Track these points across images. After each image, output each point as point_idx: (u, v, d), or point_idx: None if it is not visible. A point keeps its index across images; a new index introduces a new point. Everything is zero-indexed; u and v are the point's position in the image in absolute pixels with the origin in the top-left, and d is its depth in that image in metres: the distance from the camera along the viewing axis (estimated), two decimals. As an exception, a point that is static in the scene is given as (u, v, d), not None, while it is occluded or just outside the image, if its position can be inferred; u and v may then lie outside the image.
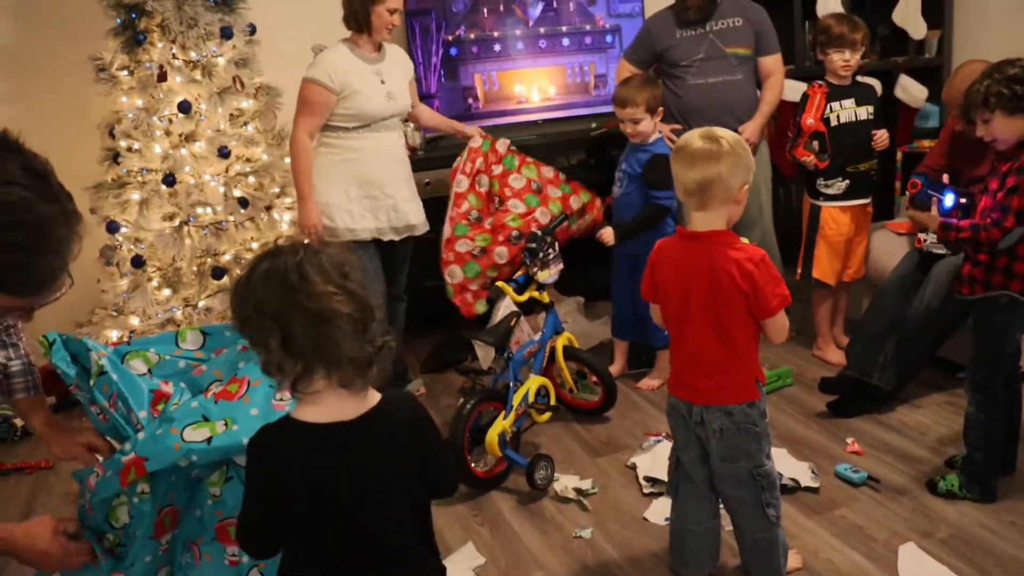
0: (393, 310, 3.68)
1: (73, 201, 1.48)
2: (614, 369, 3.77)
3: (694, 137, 2.09)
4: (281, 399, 1.78)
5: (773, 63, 4.00)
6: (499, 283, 3.18)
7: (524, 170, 3.72)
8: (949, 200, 2.73)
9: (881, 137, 3.62)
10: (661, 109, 3.51)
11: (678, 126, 4.05)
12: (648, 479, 2.91)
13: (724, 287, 2.08)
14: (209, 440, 1.71)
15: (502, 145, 3.73)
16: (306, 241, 1.42)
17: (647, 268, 2.26)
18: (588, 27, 4.74)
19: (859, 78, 3.77)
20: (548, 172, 3.77)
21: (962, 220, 2.52)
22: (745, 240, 2.16)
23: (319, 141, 3.39)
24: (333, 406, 1.39)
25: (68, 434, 1.94)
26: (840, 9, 4.36)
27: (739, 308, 2.09)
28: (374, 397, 1.44)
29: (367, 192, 3.38)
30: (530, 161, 3.76)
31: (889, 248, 3.78)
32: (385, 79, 3.39)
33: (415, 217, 3.51)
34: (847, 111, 3.63)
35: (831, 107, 3.65)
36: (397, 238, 3.47)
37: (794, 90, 4.12)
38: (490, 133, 4.61)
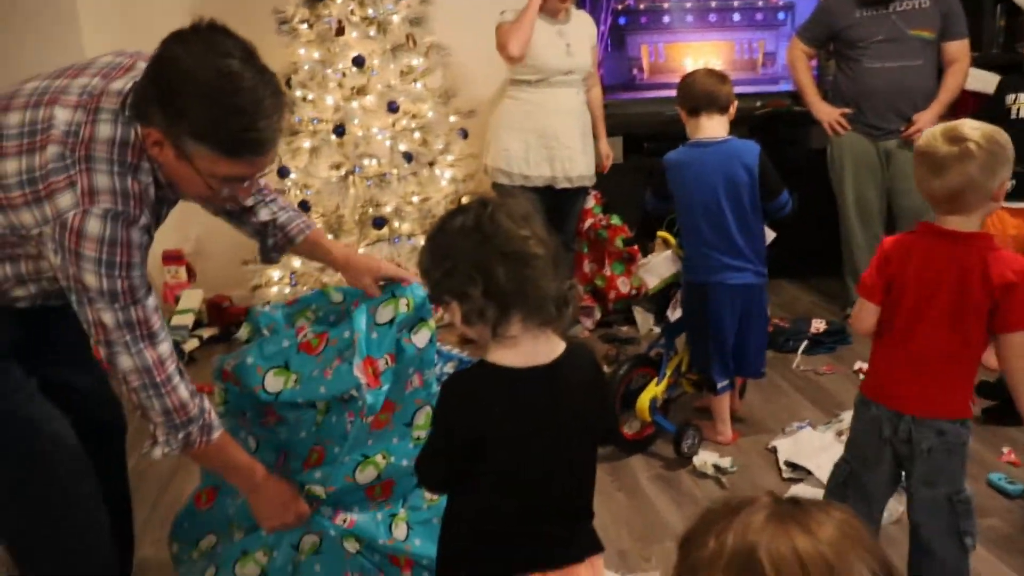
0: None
1: (275, 76, 1.61)
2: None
3: (937, 139, 1.89)
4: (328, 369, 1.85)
5: (959, 49, 3.81)
6: (661, 233, 3.17)
7: (618, 240, 4.24)
8: None
9: None
10: None
11: (848, 110, 3.93)
12: (789, 464, 2.87)
13: (975, 293, 1.90)
14: (277, 395, 1.90)
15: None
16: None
17: (876, 261, 2.05)
18: (760, 3, 4.63)
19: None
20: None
21: None
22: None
23: (505, 94, 3.78)
24: (529, 350, 1.44)
25: (358, 271, 2.01)
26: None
27: (983, 319, 1.92)
28: (561, 344, 1.48)
29: (544, 142, 3.71)
30: (624, 234, 4.26)
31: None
32: (565, 37, 3.70)
33: (586, 168, 3.83)
34: (1031, 105, 3.44)
35: (1017, 97, 3.45)
36: (570, 186, 3.79)
37: (978, 79, 3.93)
38: (652, 105, 4.62)
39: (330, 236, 3.81)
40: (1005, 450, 2.95)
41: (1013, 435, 3.07)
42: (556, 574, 1.51)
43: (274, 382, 1.91)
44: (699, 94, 2.88)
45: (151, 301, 1.66)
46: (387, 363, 1.87)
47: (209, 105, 1.52)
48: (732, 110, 2.93)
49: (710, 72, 2.96)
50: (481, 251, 1.38)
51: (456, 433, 1.47)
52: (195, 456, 1.80)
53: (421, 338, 1.93)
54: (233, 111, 1.52)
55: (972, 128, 1.88)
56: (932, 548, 2.08)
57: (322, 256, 2.11)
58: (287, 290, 3.93)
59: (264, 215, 2.03)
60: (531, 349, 1.44)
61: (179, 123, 1.54)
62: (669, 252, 3.12)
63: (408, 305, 1.90)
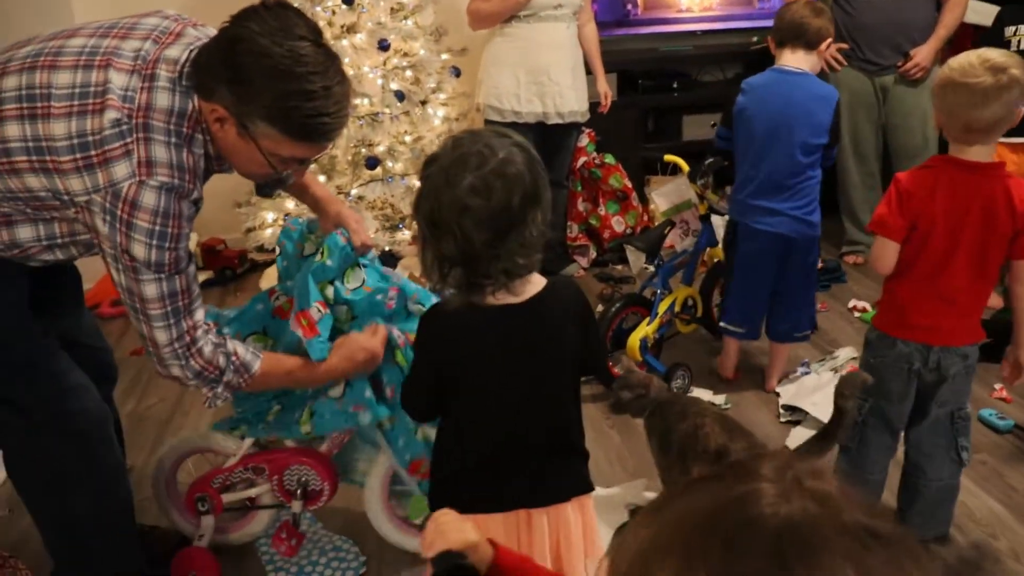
0: (554, 195, 3.83)
1: (339, 59, 1.62)
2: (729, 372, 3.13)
3: (978, 70, 1.88)
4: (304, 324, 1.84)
5: (958, -20, 3.74)
6: (680, 160, 3.18)
7: (612, 179, 4.23)
8: None
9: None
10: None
11: (844, 45, 3.87)
12: (787, 407, 2.89)
13: (1001, 222, 1.94)
14: None
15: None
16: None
17: (895, 199, 1.99)
18: (758, -66, 4.53)
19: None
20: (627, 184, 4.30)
21: None
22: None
23: (496, 31, 3.71)
24: (504, 292, 1.43)
25: (325, 217, 2.03)
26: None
27: (1005, 246, 1.97)
28: (540, 281, 1.48)
29: (535, 78, 3.67)
30: (618, 173, 4.26)
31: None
32: None
33: (578, 104, 3.77)
34: (1030, 37, 3.39)
35: (1017, 29, 3.40)
36: (561, 122, 3.75)
37: (976, 11, 3.87)
38: (647, 42, 4.55)
39: (322, 178, 3.78)
40: (997, 387, 2.98)
41: (1005, 371, 3.10)
42: (540, 512, 1.52)
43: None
44: (786, 25, 2.74)
45: (192, 268, 1.68)
46: (319, 311, 1.84)
47: (283, 89, 1.52)
48: (824, 47, 2.78)
49: (808, 3, 2.78)
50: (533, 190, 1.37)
51: (432, 365, 1.50)
52: (255, 390, 1.85)
53: (355, 280, 1.92)
54: (307, 97, 1.52)
55: (1006, 56, 1.91)
56: (931, 465, 2.17)
57: (305, 199, 2.11)
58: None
59: None
60: (507, 291, 1.43)
61: (250, 104, 1.54)
62: (683, 178, 3.10)
63: (323, 254, 1.87)
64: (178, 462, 2.28)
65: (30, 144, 1.56)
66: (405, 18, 3.80)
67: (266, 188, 2.06)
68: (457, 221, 1.33)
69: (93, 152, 1.54)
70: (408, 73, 3.78)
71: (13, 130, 1.56)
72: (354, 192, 3.74)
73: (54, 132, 1.54)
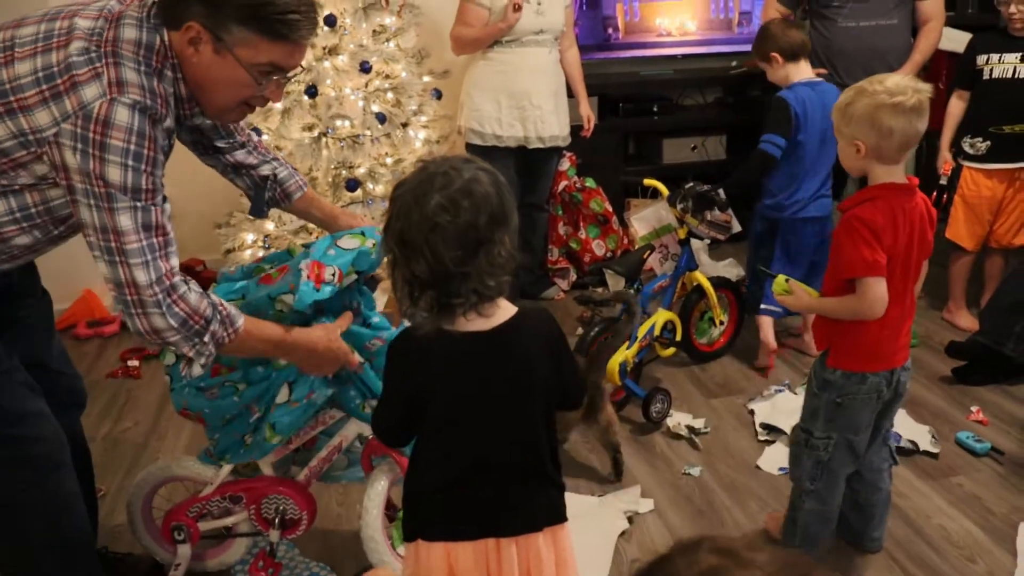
0: (534, 218, 4.02)
1: None
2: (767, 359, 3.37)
3: (903, 89, 1.91)
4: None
5: (934, 8, 3.78)
6: (659, 184, 3.26)
7: (592, 203, 4.27)
8: None
9: None
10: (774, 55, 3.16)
11: (823, 71, 3.91)
12: (765, 426, 2.91)
13: (927, 233, 2.04)
14: None
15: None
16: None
17: (872, 238, 1.93)
18: (736, -39, 4.59)
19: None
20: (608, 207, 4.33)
21: None
22: None
23: (478, 55, 3.76)
24: (472, 318, 1.43)
25: (341, 225, 2.10)
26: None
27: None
28: (510, 309, 1.47)
29: (516, 103, 3.71)
30: (599, 197, 4.31)
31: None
32: None
33: (559, 129, 3.80)
34: (1004, 66, 3.43)
35: (988, 58, 3.46)
36: (543, 147, 3.77)
37: (950, 39, 3.92)
38: (628, 65, 4.58)
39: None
40: (974, 409, 3.00)
41: (982, 395, 3.12)
42: (509, 541, 1.50)
43: None
44: (796, 42, 3.13)
45: (167, 208, 1.64)
46: (334, 275, 1.83)
47: None
48: None
49: (786, 21, 3.26)
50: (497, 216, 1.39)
51: (402, 391, 1.50)
52: (232, 351, 1.76)
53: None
54: None
55: (899, 76, 1.99)
56: (880, 478, 2.25)
57: (313, 213, 2.15)
58: (260, 253, 3.89)
59: (265, 170, 2.08)
60: (477, 313, 1.43)
61: (222, 9, 1.57)
62: (662, 202, 3.12)
63: (373, 245, 1.90)
64: (154, 490, 2.25)
65: None
66: (387, 40, 3.81)
67: (265, 206, 2.09)
68: (426, 239, 1.35)
69: (59, 80, 1.53)
70: (389, 95, 3.78)
71: None
72: (335, 214, 3.74)
73: (18, 72, 1.54)
